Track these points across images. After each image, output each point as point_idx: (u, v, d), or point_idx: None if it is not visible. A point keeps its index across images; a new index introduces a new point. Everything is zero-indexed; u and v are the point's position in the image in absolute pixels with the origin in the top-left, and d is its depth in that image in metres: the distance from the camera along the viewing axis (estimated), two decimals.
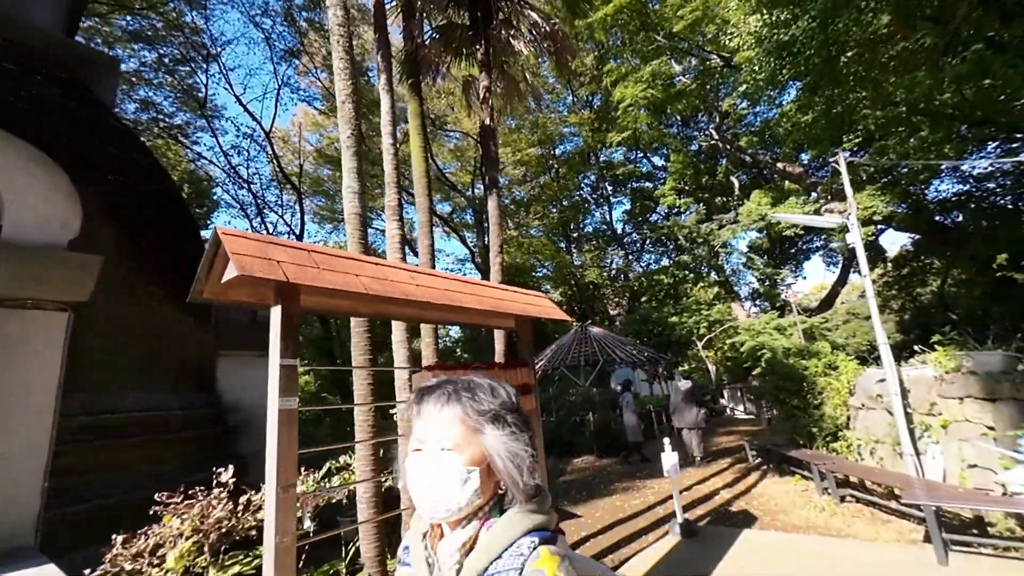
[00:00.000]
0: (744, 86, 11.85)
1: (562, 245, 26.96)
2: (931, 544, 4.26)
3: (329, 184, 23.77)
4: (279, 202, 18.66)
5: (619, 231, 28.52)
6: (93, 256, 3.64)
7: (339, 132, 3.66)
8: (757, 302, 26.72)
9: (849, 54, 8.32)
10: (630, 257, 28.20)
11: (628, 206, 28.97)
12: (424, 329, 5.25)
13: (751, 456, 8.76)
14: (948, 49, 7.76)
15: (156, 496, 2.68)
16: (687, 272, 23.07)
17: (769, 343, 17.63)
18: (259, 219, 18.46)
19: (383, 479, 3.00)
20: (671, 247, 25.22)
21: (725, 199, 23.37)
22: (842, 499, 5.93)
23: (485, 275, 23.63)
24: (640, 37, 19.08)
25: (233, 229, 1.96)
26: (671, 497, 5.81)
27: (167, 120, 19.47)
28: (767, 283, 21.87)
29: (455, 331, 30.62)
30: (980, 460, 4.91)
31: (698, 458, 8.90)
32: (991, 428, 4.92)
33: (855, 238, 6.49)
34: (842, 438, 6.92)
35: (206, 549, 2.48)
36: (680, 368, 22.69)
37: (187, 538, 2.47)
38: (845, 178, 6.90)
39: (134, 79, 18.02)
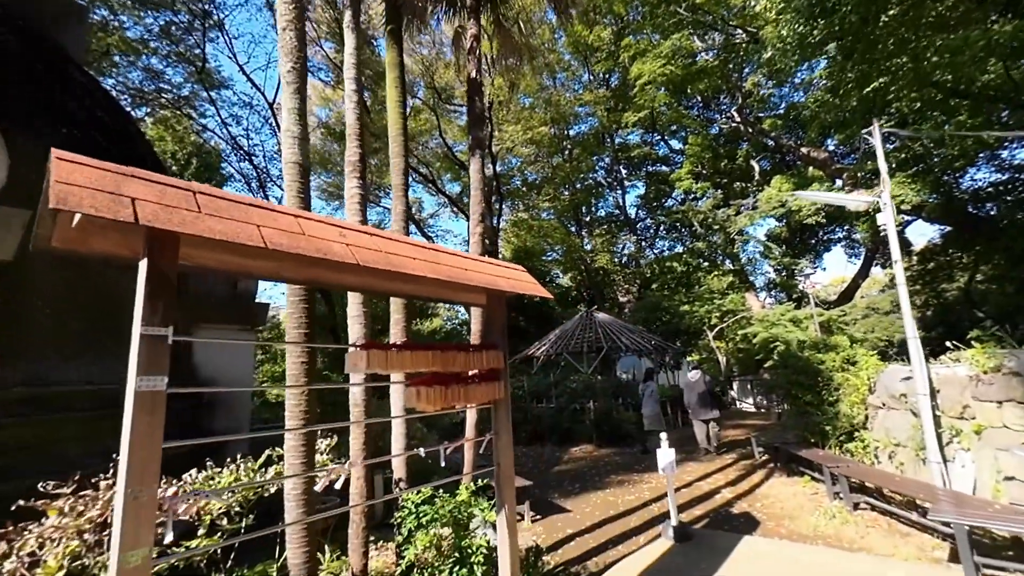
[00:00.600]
0: (770, 52, 10.95)
1: (573, 229, 26.27)
2: (959, 565, 3.75)
3: (338, 159, 23.33)
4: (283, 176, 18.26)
5: (632, 216, 27.69)
6: (16, 210, 3.27)
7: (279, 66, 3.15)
8: (773, 293, 25.84)
9: (891, 12, 7.48)
10: (643, 243, 27.42)
11: (642, 191, 28.09)
12: (394, 304, 4.81)
13: (757, 452, 8.26)
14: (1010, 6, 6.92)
15: (40, 486, 2.31)
16: (701, 260, 22.29)
17: (783, 335, 16.94)
18: (261, 192, 18.12)
19: (317, 474, 2.57)
20: (685, 234, 24.39)
21: (744, 185, 22.41)
22: (856, 506, 5.41)
23: (492, 255, 23.15)
24: (661, 10, 18.04)
25: (76, 156, 1.49)
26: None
27: (175, 91, 19.13)
28: (784, 273, 21.01)
29: (462, 312, 30.32)
30: (1020, 472, 4.34)
31: (712, 448, 8.71)
32: None
33: (887, 218, 5.84)
34: (858, 439, 6.37)
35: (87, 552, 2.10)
36: (689, 358, 22.14)
37: (70, 537, 2.09)
38: (880, 151, 6.20)
39: (140, 47, 17.64)
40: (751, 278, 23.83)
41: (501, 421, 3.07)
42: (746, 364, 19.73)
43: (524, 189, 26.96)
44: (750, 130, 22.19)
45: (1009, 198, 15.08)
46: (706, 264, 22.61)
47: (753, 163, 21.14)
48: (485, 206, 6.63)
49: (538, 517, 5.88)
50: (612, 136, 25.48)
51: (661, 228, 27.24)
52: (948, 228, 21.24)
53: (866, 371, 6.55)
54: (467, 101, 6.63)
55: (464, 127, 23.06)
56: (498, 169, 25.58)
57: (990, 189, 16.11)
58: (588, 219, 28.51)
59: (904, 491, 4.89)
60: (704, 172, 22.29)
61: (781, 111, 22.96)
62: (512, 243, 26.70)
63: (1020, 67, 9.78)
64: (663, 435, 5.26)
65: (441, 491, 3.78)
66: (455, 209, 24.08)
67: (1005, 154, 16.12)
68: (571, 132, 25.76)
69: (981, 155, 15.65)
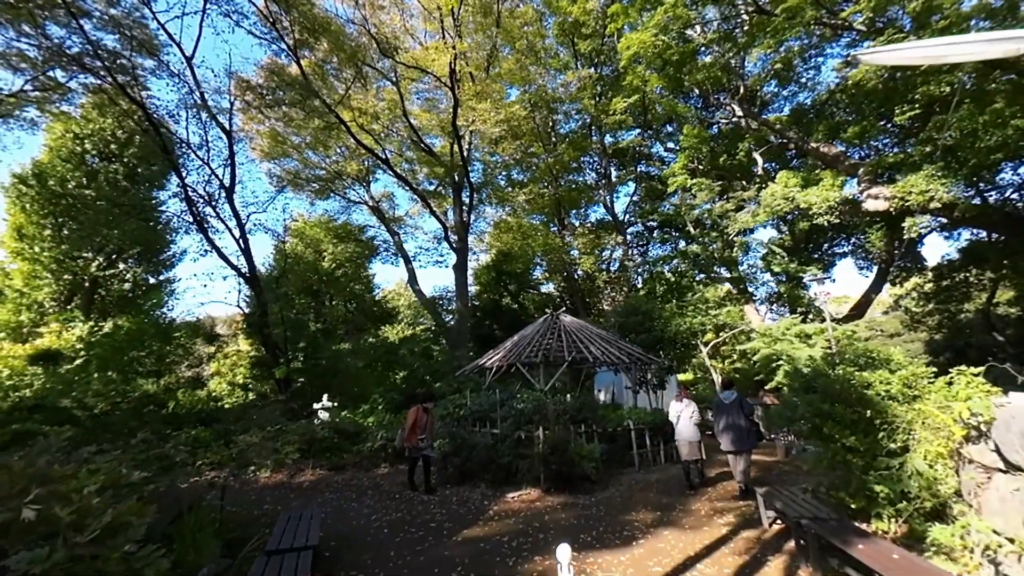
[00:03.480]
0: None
1: (554, 229, 23.78)
2: None
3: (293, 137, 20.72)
4: (204, 144, 15.68)
5: (622, 220, 25.24)
6: None
7: None
8: (774, 307, 23.35)
9: None
10: (632, 250, 24.99)
11: (633, 193, 25.72)
12: None
13: (766, 519, 5.59)
14: None
15: None
16: (694, 266, 19.81)
17: (788, 351, 14.41)
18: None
19: None
20: (678, 238, 21.91)
21: (745, 183, 20.05)
22: None
23: (462, 254, 20.55)
24: None
25: None
26: None
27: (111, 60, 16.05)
28: (789, 283, 18.52)
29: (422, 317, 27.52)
30: None
31: (743, 487, 6.78)
32: None
33: None
34: (953, 521, 3.75)
35: None
36: (682, 377, 19.52)
37: None
38: None
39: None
40: (750, 289, 21.36)
41: None
42: (743, 385, 17.09)
43: (503, 183, 24.54)
44: (752, 124, 19.96)
45: None
46: (700, 274, 20.17)
47: (756, 155, 18.73)
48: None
49: None
50: (601, 129, 23.14)
51: (653, 233, 24.81)
52: (973, 238, 19.02)
53: (960, 403, 3.93)
54: None
55: (428, 110, 20.62)
56: (475, 155, 23.21)
57: None
58: (575, 222, 26.13)
59: None
60: (701, 168, 19.93)
61: (786, 113, 20.87)
62: (495, 245, 24.20)
63: None
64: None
65: None
66: (425, 206, 21.47)
67: None
68: (555, 121, 23.47)
69: None
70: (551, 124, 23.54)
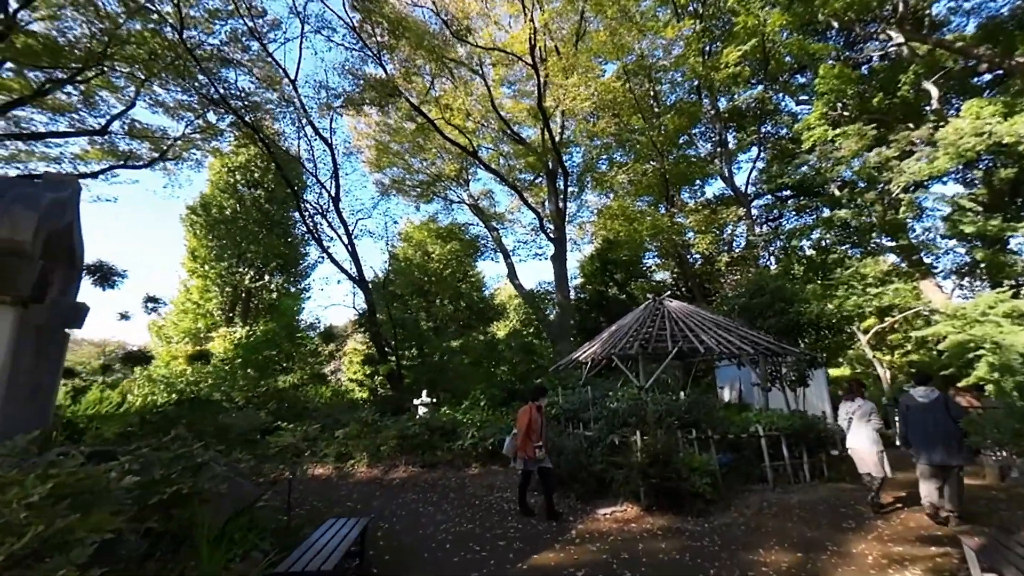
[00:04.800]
0: None
1: (662, 209, 21.50)
2: None
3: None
4: (311, 159, 17.20)
5: (744, 191, 21.87)
6: None
7: None
8: (966, 281, 18.20)
9: None
10: (760, 225, 21.51)
11: (756, 155, 22.15)
12: None
13: None
14: None
15: None
16: (843, 235, 16.21)
17: (994, 336, 11.04)
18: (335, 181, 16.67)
19: None
20: (818, 203, 18.15)
21: (910, 127, 15.81)
22: None
23: (560, 243, 19.59)
24: None
25: None
26: None
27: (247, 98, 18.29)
28: (989, 248, 14.02)
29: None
30: None
31: (952, 513, 5.13)
32: None
33: None
34: None
35: None
36: (835, 372, 16.09)
37: None
38: None
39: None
40: (927, 260, 16.85)
41: None
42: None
43: (604, 168, 22.96)
44: (919, 50, 15.57)
45: None
46: (853, 248, 16.37)
47: (929, 85, 14.58)
48: None
49: None
50: (712, 89, 20.24)
51: (787, 202, 21.01)
52: None
53: None
54: None
55: (518, 99, 20.02)
56: (571, 139, 22.07)
57: None
58: (688, 200, 23.43)
59: None
60: (847, 115, 16.21)
61: (971, 31, 15.86)
62: (599, 233, 22.85)
63: None
64: None
65: None
66: (518, 196, 20.97)
67: None
68: (658, 92, 21.19)
69: None
70: (653, 94, 21.33)
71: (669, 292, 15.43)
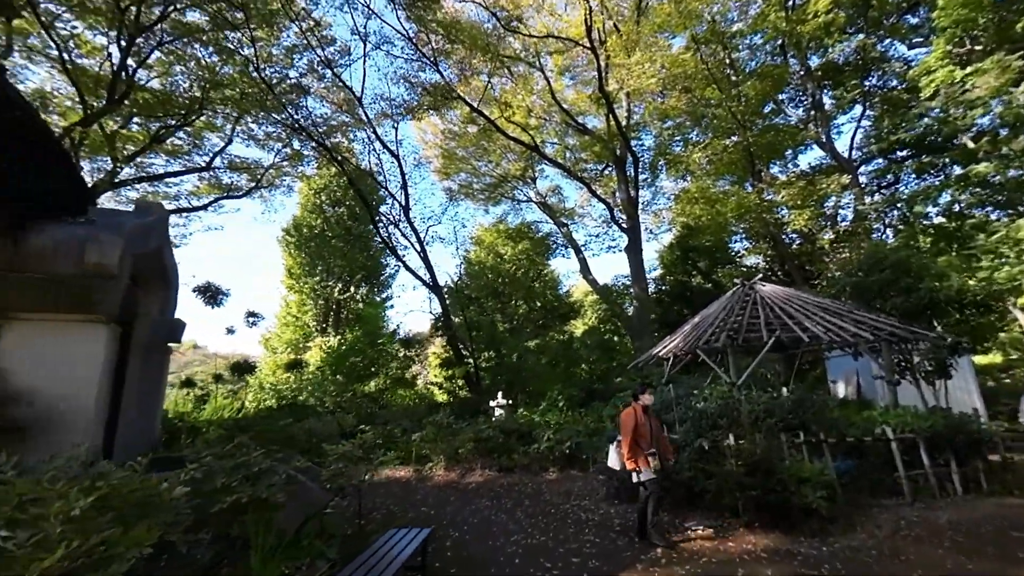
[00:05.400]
0: None
1: (748, 188, 19.52)
2: None
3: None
4: (380, 170, 17.99)
5: (848, 157, 19.14)
6: None
7: None
8: None
9: None
10: (871, 194, 18.66)
11: (860, 115, 19.28)
12: None
13: None
14: None
15: None
16: (984, 195, 13.42)
17: None
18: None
19: None
20: (945, 161, 15.26)
21: None
22: None
23: (634, 233, 18.53)
24: None
25: None
26: None
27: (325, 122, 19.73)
28: None
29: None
30: None
31: None
32: None
33: None
34: None
35: None
36: (979, 360, 13.30)
37: None
38: None
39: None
40: None
41: None
42: None
43: (678, 149, 21.42)
44: None
45: None
46: (996, 210, 13.47)
47: None
48: None
49: None
50: (801, 46, 17.95)
51: (905, 163, 18.00)
52: None
53: None
54: None
55: (579, 89, 19.24)
56: (639, 122, 20.86)
57: None
58: (778, 174, 21.07)
59: None
60: (978, 49, 13.44)
61: None
62: (678, 220, 21.44)
63: None
64: None
65: None
66: (586, 188, 20.24)
67: None
68: (735, 59, 19.30)
69: None
70: (729, 62, 19.47)
71: (761, 276, 13.83)
